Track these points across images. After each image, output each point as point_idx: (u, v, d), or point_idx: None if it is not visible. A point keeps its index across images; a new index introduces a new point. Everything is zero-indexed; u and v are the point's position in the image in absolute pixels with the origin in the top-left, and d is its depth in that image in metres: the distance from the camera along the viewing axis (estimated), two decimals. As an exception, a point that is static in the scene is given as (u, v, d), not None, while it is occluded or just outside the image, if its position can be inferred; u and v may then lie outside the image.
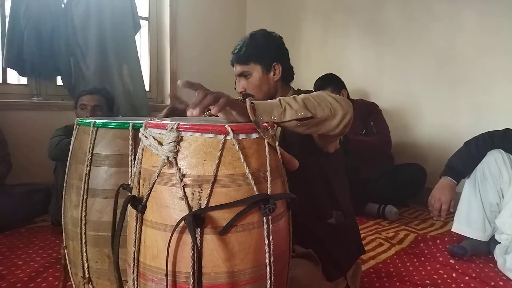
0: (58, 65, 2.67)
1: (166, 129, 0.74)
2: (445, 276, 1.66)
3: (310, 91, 1.40)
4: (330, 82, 2.71)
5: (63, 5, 2.70)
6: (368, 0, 3.16)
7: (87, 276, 1.06)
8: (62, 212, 1.12)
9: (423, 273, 1.70)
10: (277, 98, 0.94)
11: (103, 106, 2.19)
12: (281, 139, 1.25)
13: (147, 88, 3.24)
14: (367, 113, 2.68)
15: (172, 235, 0.70)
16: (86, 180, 1.02)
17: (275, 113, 0.90)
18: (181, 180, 0.72)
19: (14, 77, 2.66)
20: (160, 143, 0.74)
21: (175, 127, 0.73)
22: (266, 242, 0.74)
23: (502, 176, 1.77)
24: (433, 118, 2.86)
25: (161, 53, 3.43)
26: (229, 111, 0.84)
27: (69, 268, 1.15)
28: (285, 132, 1.26)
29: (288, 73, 1.38)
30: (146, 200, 0.75)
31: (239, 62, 1.32)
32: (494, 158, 1.79)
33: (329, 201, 1.32)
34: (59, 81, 2.78)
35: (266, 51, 1.30)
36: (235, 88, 1.40)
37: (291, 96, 0.95)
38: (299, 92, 1.41)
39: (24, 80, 2.69)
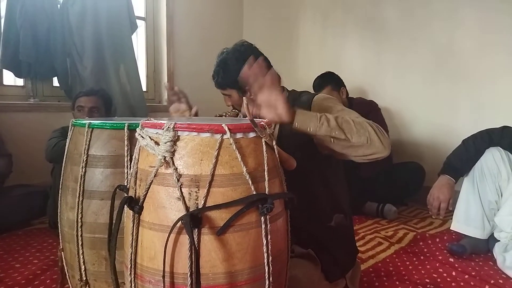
0: (55, 66, 2.65)
1: (163, 129, 0.73)
2: (445, 274, 1.66)
3: (306, 92, 1.40)
4: (329, 81, 2.71)
5: (59, 5, 2.68)
6: (367, -2, 3.16)
7: (84, 278, 1.05)
8: (58, 214, 1.11)
9: (423, 272, 1.69)
10: (320, 114, 1.05)
11: (101, 107, 2.17)
12: (278, 143, 1.25)
13: (144, 89, 3.23)
14: (366, 112, 2.67)
15: (169, 235, 0.69)
16: (82, 182, 1.01)
17: (311, 125, 1.03)
18: (178, 180, 0.71)
19: (10, 79, 2.64)
20: (157, 143, 0.74)
21: (171, 127, 0.72)
22: (264, 242, 0.73)
23: (500, 174, 1.76)
24: (431, 116, 2.86)
25: (158, 53, 3.41)
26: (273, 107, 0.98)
27: (66, 270, 1.14)
28: (282, 133, 1.26)
29: None
30: (143, 201, 0.75)
31: (217, 87, 1.40)
32: (492, 156, 1.78)
33: (329, 202, 1.32)
34: (55, 82, 2.76)
35: (236, 77, 1.30)
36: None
37: (334, 116, 1.05)
38: (293, 92, 1.40)
39: (20, 82, 2.68)
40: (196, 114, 1.33)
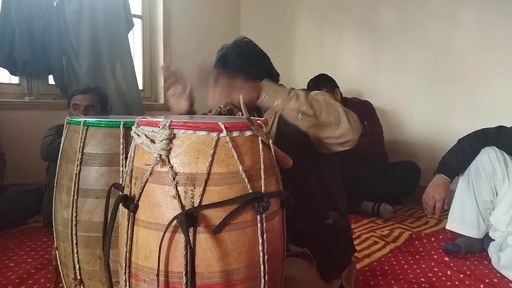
0: (50, 63, 2.64)
1: (159, 127, 0.72)
2: (440, 274, 1.67)
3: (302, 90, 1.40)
4: (324, 82, 2.72)
5: (55, 3, 2.67)
6: (363, -1, 3.16)
7: (78, 277, 1.04)
8: (53, 213, 1.10)
9: (418, 271, 1.70)
10: (289, 88, 1.02)
11: (96, 105, 2.16)
12: (276, 140, 1.25)
13: (140, 87, 3.22)
14: (361, 112, 2.66)
15: (164, 234, 0.69)
16: (77, 180, 1.00)
17: (279, 99, 1.00)
18: (174, 179, 0.70)
19: (5, 76, 2.63)
20: (153, 141, 0.73)
21: (167, 125, 0.72)
22: (260, 241, 0.73)
23: (495, 173, 1.77)
24: (427, 116, 2.87)
25: (154, 51, 3.40)
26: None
27: (60, 269, 1.14)
28: (280, 131, 1.26)
29: None
30: (138, 199, 0.74)
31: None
32: (488, 155, 1.79)
33: (326, 201, 1.32)
34: (51, 80, 2.75)
35: (237, 71, 1.28)
36: None
37: (304, 91, 1.02)
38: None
39: (15, 79, 2.66)
40: (191, 93, 1.30)
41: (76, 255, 1.03)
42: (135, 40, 3.33)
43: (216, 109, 1.35)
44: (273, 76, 1.39)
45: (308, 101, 1.01)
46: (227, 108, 1.39)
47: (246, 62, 1.31)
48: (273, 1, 3.78)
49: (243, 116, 0.76)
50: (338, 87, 2.75)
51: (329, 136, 1.06)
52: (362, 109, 2.72)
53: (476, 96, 2.62)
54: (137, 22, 3.28)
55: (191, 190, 0.70)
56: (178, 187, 0.70)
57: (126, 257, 0.76)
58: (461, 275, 1.64)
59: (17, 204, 2.17)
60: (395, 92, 3.02)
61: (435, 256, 1.84)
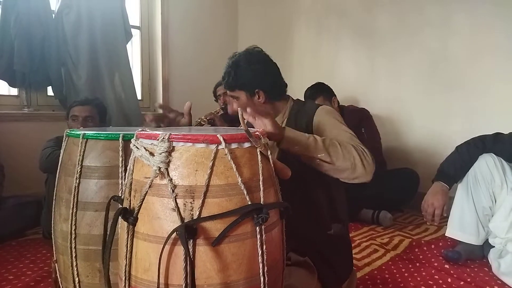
0: (49, 75, 2.65)
1: (158, 140, 0.73)
2: (440, 281, 1.66)
3: (310, 101, 1.42)
4: (321, 91, 2.73)
5: (53, 15, 2.69)
6: (360, 5, 3.19)
7: (78, 290, 1.04)
8: (52, 226, 1.10)
9: (418, 279, 1.69)
10: (309, 135, 1.13)
11: (95, 117, 2.17)
12: (282, 151, 1.26)
13: (139, 97, 3.23)
14: (358, 119, 2.70)
15: (164, 247, 0.69)
16: (76, 193, 1.00)
17: (299, 144, 1.09)
18: (173, 191, 0.71)
19: (4, 88, 2.64)
20: (152, 154, 0.73)
21: (166, 137, 0.72)
22: (260, 252, 0.73)
23: (494, 180, 1.78)
24: (425, 123, 2.88)
25: (153, 61, 3.42)
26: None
27: (60, 282, 1.13)
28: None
29: (275, 93, 1.39)
30: (138, 212, 0.74)
31: (226, 88, 1.40)
32: (486, 162, 1.80)
33: (329, 211, 1.33)
34: (50, 91, 2.76)
35: (247, 79, 1.34)
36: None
37: (322, 139, 1.12)
38: (297, 101, 1.42)
39: (14, 91, 2.67)
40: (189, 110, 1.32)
41: (75, 268, 1.02)
42: (133, 50, 3.35)
43: (196, 120, 1.36)
44: (281, 86, 1.42)
45: (325, 147, 1.10)
46: (207, 118, 1.41)
47: (256, 70, 1.34)
48: (270, 10, 3.81)
49: (241, 128, 0.77)
50: (335, 95, 2.77)
51: (344, 178, 1.16)
52: (359, 117, 2.73)
53: (473, 102, 2.63)
54: (136, 33, 3.30)
55: (190, 202, 0.70)
56: (177, 199, 0.70)
57: (125, 270, 0.76)
58: (462, 283, 1.63)
59: (16, 215, 2.17)
60: (392, 99, 3.04)
61: (436, 264, 1.83)
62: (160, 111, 1.33)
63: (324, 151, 1.10)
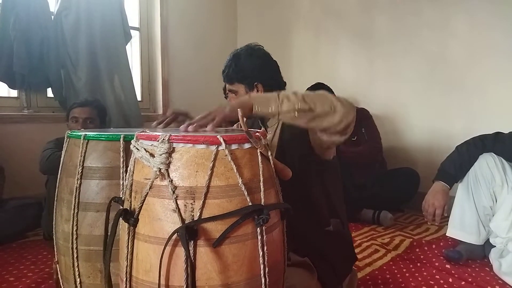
0: (49, 77, 2.65)
1: (158, 141, 0.73)
2: (442, 281, 1.66)
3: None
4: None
5: (52, 17, 2.69)
6: (359, 7, 3.19)
7: (79, 291, 1.04)
8: (53, 227, 1.10)
9: (420, 279, 1.69)
10: (275, 92, 1.00)
11: (95, 118, 2.17)
12: (279, 148, 1.26)
13: (138, 98, 3.23)
14: (358, 120, 2.68)
15: (164, 248, 0.69)
16: (77, 194, 1.00)
17: (272, 105, 0.98)
18: (173, 192, 0.71)
19: (4, 90, 2.64)
20: (152, 155, 0.73)
21: (166, 139, 0.72)
22: (261, 253, 0.73)
23: (494, 179, 1.78)
24: (425, 122, 2.88)
25: (152, 62, 3.42)
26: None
27: (61, 283, 1.13)
28: (283, 142, 1.27)
29: (273, 88, 1.38)
30: (138, 213, 0.74)
31: (225, 81, 1.40)
32: (486, 162, 1.80)
33: (328, 209, 1.33)
34: (49, 93, 2.76)
35: (247, 72, 1.34)
36: (225, 97, 1.44)
37: (292, 92, 1.01)
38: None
39: (14, 93, 2.67)
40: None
41: (77, 269, 1.02)
42: (133, 52, 3.35)
43: None
44: (281, 83, 1.42)
45: (299, 98, 1.00)
46: None
47: (256, 63, 1.35)
48: (269, 11, 3.81)
49: (242, 129, 0.77)
50: (335, 95, 2.76)
51: (329, 125, 1.04)
52: (359, 117, 2.70)
53: (473, 102, 2.64)
54: (135, 34, 3.30)
55: (191, 203, 0.70)
56: (178, 200, 0.70)
57: (126, 271, 0.76)
58: (463, 282, 1.63)
59: (17, 217, 2.17)
60: (392, 99, 3.04)
61: (437, 264, 1.83)
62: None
63: (300, 100, 1.00)
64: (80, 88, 2.72)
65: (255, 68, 1.35)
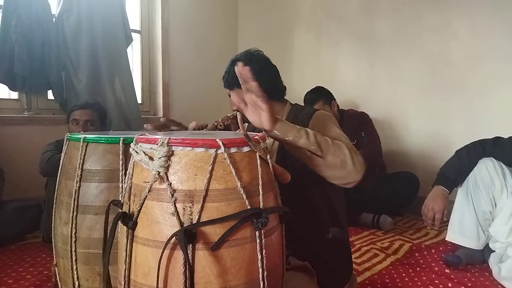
0: (49, 79, 2.65)
1: (157, 144, 0.73)
2: (441, 286, 1.66)
3: (308, 106, 1.42)
4: (321, 95, 2.74)
5: (54, 19, 2.70)
6: (360, 10, 3.20)
7: (78, 294, 1.04)
8: (52, 230, 1.10)
9: (419, 283, 1.69)
10: (300, 127, 1.07)
11: (96, 120, 2.17)
12: (280, 154, 1.26)
13: (139, 101, 3.24)
14: (358, 123, 2.70)
15: (163, 251, 0.69)
16: (76, 197, 1.00)
17: (290, 135, 1.04)
18: (172, 195, 0.71)
19: (4, 92, 2.64)
20: (151, 158, 0.74)
21: (166, 142, 0.72)
22: (259, 257, 0.73)
23: (494, 184, 1.77)
24: (425, 127, 2.89)
25: (153, 65, 3.43)
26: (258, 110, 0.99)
27: (60, 286, 1.13)
28: (283, 146, 1.27)
29: (274, 93, 1.39)
30: (137, 216, 0.74)
31: (226, 87, 1.40)
32: (486, 166, 1.80)
33: (329, 215, 1.33)
34: (50, 95, 2.76)
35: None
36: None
37: (313, 132, 1.07)
38: (295, 106, 1.42)
39: (14, 95, 2.67)
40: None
41: (75, 272, 1.02)
42: (134, 54, 3.36)
43: (213, 123, 1.36)
44: (280, 88, 1.42)
45: (317, 140, 1.05)
46: (224, 123, 1.41)
47: (256, 68, 1.34)
48: (270, 14, 3.82)
49: (241, 132, 0.77)
50: (334, 99, 2.77)
51: (332, 176, 1.10)
52: (359, 121, 2.74)
53: (473, 106, 2.64)
54: (136, 37, 3.31)
55: (190, 207, 0.70)
56: (176, 204, 0.70)
57: (125, 275, 0.76)
58: (462, 287, 1.63)
59: (16, 219, 2.16)
60: (392, 102, 3.04)
61: (436, 268, 1.83)
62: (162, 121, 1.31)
63: (315, 144, 1.05)
64: (81, 90, 2.73)
65: (255, 73, 1.35)
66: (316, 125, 1.27)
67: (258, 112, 1.00)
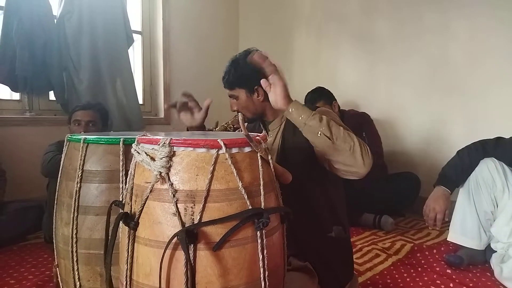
0: (51, 80, 2.66)
1: (159, 144, 0.73)
2: (442, 286, 1.65)
3: (309, 105, 1.42)
4: (322, 95, 2.74)
5: (55, 20, 2.70)
6: (360, 11, 3.20)
7: (79, 295, 1.04)
8: (53, 230, 1.10)
9: (420, 283, 1.69)
10: (317, 110, 1.18)
11: (97, 121, 2.17)
12: (281, 153, 1.27)
13: (140, 102, 3.24)
14: (359, 123, 2.70)
15: (164, 251, 0.69)
16: (77, 197, 1.00)
17: (303, 115, 1.12)
18: (174, 196, 0.71)
19: (6, 93, 2.65)
20: (153, 159, 0.74)
21: (167, 142, 0.72)
22: (260, 257, 0.73)
23: (495, 184, 1.77)
24: (426, 127, 2.88)
25: (154, 66, 3.43)
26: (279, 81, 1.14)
27: (61, 286, 1.13)
28: (285, 146, 1.28)
29: None
30: (139, 217, 0.74)
31: (226, 87, 1.41)
32: (487, 166, 1.79)
33: (330, 215, 1.33)
34: (51, 96, 2.77)
35: (247, 76, 1.35)
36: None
37: (326, 117, 1.13)
38: (296, 103, 1.42)
39: (16, 96, 2.68)
40: (207, 107, 1.41)
41: (76, 273, 1.02)
42: (135, 55, 3.36)
43: (223, 125, 1.37)
44: None
45: (329, 124, 1.11)
46: (234, 125, 1.42)
47: (255, 67, 1.34)
48: (271, 15, 3.83)
49: (242, 132, 0.77)
50: (335, 99, 2.77)
51: (340, 162, 1.14)
52: (360, 121, 2.73)
53: (474, 107, 2.64)
54: (137, 38, 3.31)
55: (191, 207, 0.70)
56: (178, 204, 0.71)
57: (126, 275, 0.76)
58: (464, 288, 1.63)
59: (18, 220, 2.17)
60: (393, 103, 3.04)
61: (437, 269, 1.82)
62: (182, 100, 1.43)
63: (327, 127, 1.11)
64: (82, 91, 2.73)
65: (254, 72, 1.35)
66: None
67: (273, 89, 1.11)
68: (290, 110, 1.14)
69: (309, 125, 1.11)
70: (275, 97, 1.15)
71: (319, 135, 1.10)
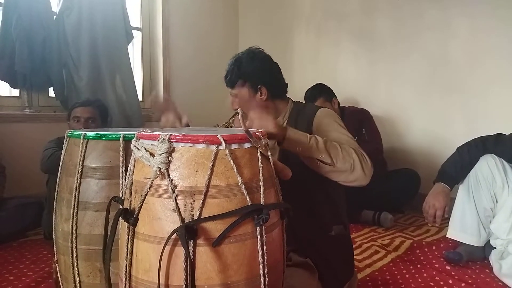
0: (50, 76, 2.66)
1: (158, 140, 0.73)
2: (442, 283, 1.66)
3: (310, 104, 1.42)
4: (321, 92, 2.74)
5: (55, 16, 2.70)
6: (360, 9, 3.19)
7: (79, 290, 1.04)
8: (53, 226, 1.10)
9: (420, 280, 1.69)
10: (310, 135, 1.12)
11: (97, 118, 2.17)
12: (282, 151, 1.27)
13: (140, 98, 3.24)
14: (359, 120, 2.70)
15: (164, 247, 0.69)
16: (77, 193, 1.00)
17: (300, 146, 1.09)
18: (173, 192, 0.71)
19: (5, 89, 2.64)
20: (152, 154, 0.74)
21: (167, 138, 0.72)
22: (260, 253, 0.73)
23: (495, 181, 1.77)
24: (426, 124, 2.88)
25: (154, 63, 3.43)
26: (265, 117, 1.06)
27: (60, 283, 1.13)
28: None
29: (277, 91, 1.40)
30: (138, 213, 0.74)
31: (228, 86, 1.40)
32: (487, 163, 1.79)
33: (330, 213, 1.33)
34: (51, 92, 2.77)
35: (250, 75, 1.34)
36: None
37: (323, 140, 1.12)
38: (298, 103, 1.42)
39: (15, 92, 2.67)
40: (187, 125, 1.31)
41: (76, 268, 1.02)
42: (134, 52, 3.35)
43: (224, 124, 1.37)
44: (283, 84, 1.42)
45: (326, 148, 1.10)
46: (234, 125, 1.41)
47: (258, 66, 1.35)
48: (271, 12, 3.82)
49: (242, 129, 0.77)
50: (335, 96, 2.77)
51: (343, 181, 1.16)
52: (360, 118, 2.73)
53: (473, 104, 2.63)
54: (137, 34, 3.31)
55: (191, 203, 0.70)
56: (177, 200, 0.70)
57: (126, 271, 0.76)
58: (463, 284, 1.63)
59: (17, 216, 2.17)
60: (393, 100, 3.04)
61: (437, 265, 1.83)
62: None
63: (325, 152, 1.10)
64: (82, 87, 2.73)
65: (257, 71, 1.35)
66: (321, 123, 1.27)
67: (264, 125, 1.04)
68: (285, 143, 1.10)
69: (307, 155, 1.11)
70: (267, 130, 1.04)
71: (319, 164, 1.12)
